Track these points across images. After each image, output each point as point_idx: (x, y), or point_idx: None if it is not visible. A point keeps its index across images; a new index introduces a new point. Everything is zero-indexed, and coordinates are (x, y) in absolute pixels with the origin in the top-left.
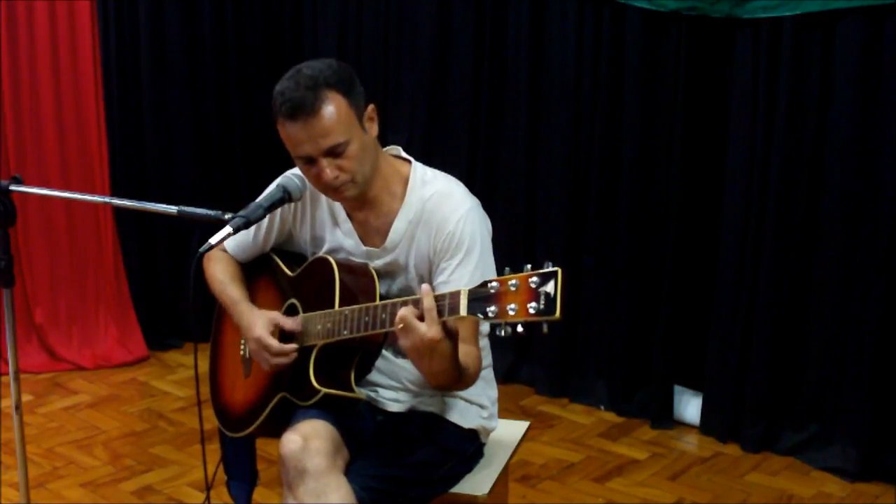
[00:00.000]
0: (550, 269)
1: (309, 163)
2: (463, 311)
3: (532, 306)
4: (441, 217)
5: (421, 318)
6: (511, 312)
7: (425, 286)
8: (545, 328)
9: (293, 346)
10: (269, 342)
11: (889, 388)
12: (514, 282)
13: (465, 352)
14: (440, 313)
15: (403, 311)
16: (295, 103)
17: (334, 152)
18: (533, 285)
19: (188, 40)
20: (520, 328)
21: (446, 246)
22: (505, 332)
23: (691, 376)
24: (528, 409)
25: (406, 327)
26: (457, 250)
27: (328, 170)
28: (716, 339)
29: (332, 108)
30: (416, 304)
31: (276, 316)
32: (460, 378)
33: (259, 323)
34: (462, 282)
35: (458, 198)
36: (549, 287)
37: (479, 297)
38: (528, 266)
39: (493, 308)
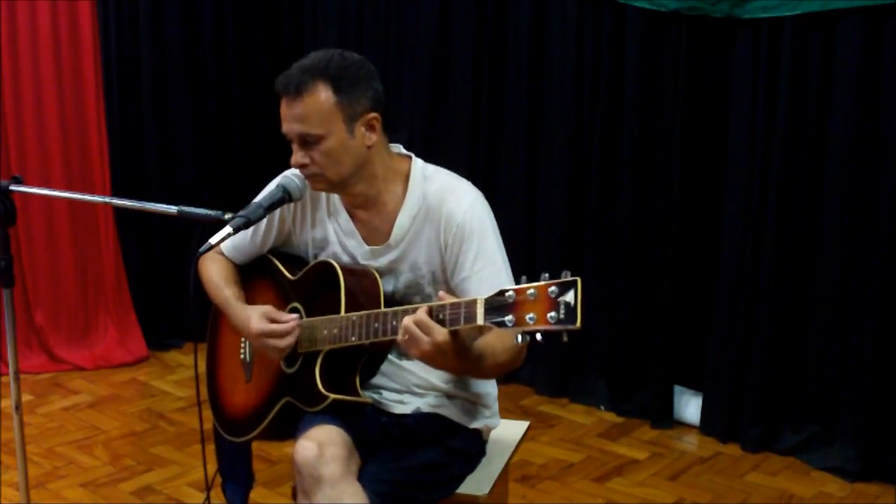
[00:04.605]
0: (570, 278)
1: (290, 142)
2: (480, 320)
3: (552, 316)
4: (447, 211)
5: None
6: (530, 322)
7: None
8: (565, 337)
9: (292, 316)
10: (271, 327)
11: (889, 388)
12: (532, 291)
13: (497, 334)
14: (455, 322)
15: (412, 335)
16: (284, 82)
17: (305, 141)
18: (552, 295)
19: (188, 40)
20: (539, 337)
21: (458, 239)
22: (523, 339)
23: (691, 376)
24: (528, 409)
25: (410, 338)
26: (469, 242)
27: (298, 154)
28: (716, 339)
29: (315, 99)
30: (434, 313)
31: (271, 309)
32: (479, 367)
33: (254, 316)
34: (484, 272)
35: (462, 190)
36: (569, 296)
37: (497, 305)
38: (546, 275)
39: (510, 317)
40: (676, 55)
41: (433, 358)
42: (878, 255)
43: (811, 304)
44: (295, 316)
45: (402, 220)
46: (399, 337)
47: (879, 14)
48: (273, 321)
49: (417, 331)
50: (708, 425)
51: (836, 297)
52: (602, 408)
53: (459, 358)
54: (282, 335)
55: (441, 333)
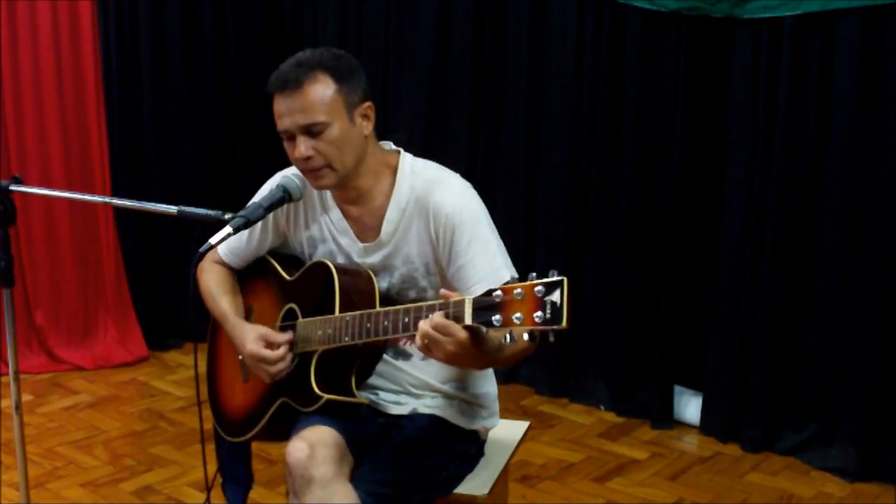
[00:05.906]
0: (556, 277)
1: (289, 140)
2: (468, 319)
3: (538, 315)
4: (435, 203)
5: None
6: (517, 321)
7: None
8: (552, 337)
9: (285, 350)
10: (264, 353)
11: (889, 388)
12: (518, 290)
13: None
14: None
15: (433, 335)
16: (283, 77)
17: (311, 131)
18: (538, 294)
19: (188, 40)
20: (526, 336)
21: (449, 229)
22: (510, 339)
23: (691, 376)
24: (528, 409)
25: (431, 342)
26: (461, 231)
27: (302, 147)
28: (716, 339)
29: (317, 88)
30: (424, 313)
31: (266, 332)
32: (500, 357)
33: (249, 338)
34: (479, 258)
35: (450, 182)
36: (555, 296)
37: (484, 305)
38: (534, 274)
39: (497, 317)
40: (676, 55)
41: (459, 357)
42: (878, 254)
43: (811, 305)
44: (288, 336)
45: (391, 215)
46: (417, 343)
47: (879, 14)
48: (268, 343)
49: (437, 334)
50: (708, 425)
51: (836, 297)
52: (602, 408)
53: (481, 351)
54: (273, 362)
55: (462, 331)
